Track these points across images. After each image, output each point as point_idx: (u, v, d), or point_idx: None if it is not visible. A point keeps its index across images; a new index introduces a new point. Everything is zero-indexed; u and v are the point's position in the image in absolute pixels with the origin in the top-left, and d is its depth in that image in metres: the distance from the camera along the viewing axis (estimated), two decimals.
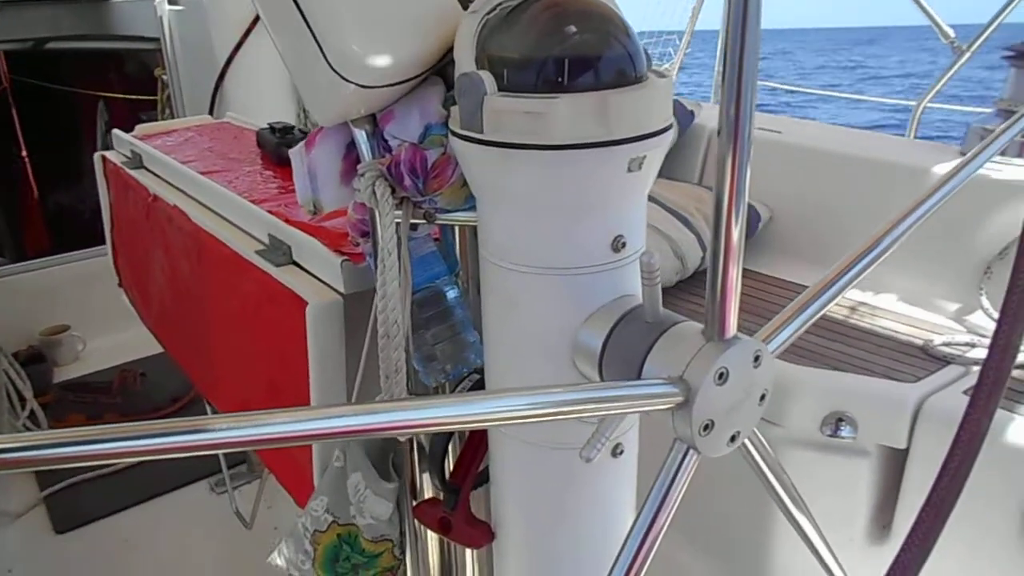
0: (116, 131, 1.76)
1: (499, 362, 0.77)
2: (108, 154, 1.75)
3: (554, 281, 0.69)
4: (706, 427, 0.61)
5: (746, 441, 0.67)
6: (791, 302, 0.69)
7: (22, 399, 2.33)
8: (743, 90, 0.53)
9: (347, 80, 0.70)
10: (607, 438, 0.64)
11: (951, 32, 2.81)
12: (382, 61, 0.70)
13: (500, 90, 0.64)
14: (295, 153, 0.80)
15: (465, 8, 0.73)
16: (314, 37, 0.69)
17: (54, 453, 0.39)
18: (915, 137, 3.05)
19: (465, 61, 0.67)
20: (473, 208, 0.76)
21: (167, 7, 2.95)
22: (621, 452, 0.78)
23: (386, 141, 0.78)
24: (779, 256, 2.16)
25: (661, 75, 0.69)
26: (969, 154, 0.74)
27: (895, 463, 1.45)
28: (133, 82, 3.45)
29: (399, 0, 0.71)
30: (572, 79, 0.64)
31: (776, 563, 1.55)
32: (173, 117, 3.08)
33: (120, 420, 2.48)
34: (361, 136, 0.78)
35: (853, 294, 1.90)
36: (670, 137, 0.69)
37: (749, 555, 1.61)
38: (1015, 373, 1.50)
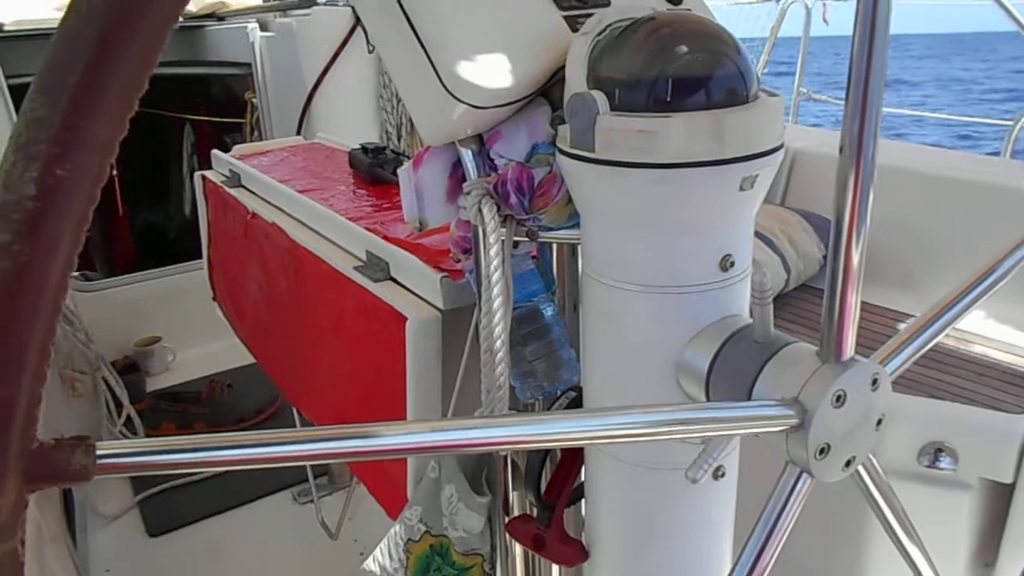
0: (215, 151, 1.85)
1: (599, 380, 0.77)
2: (208, 173, 1.83)
3: (661, 299, 0.68)
4: (822, 451, 0.59)
5: (860, 467, 0.66)
6: (900, 325, 0.67)
7: (119, 406, 2.44)
8: (868, 108, 0.53)
9: (460, 100, 0.72)
10: (715, 459, 0.63)
11: None
12: (495, 82, 0.71)
13: (612, 110, 0.65)
14: (403, 171, 0.83)
15: (574, 30, 0.74)
16: (428, 57, 0.72)
17: (187, 458, 0.41)
18: (1011, 157, 2.93)
19: (576, 81, 0.68)
20: (575, 226, 0.77)
21: (259, 33, 3.08)
22: (723, 474, 0.77)
23: (491, 160, 0.79)
24: (866, 280, 2.10)
25: (772, 94, 0.69)
26: None
27: (999, 498, 1.38)
28: (221, 105, 3.61)
29: (511, 22, 0.73)
30: (683, 98, 0.64)
31: None
32: (262, 139, 3.20)
33: (208, 429, 2.58)
34: (468, 155, 0.80)
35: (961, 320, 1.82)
36: (781, 156, 0.68)
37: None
38: None
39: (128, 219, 3.94)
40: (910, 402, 1.47)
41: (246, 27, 3.13)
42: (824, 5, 4.05)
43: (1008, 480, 1.35)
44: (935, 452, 1.39)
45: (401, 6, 0.73)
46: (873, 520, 0.71)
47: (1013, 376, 1.56)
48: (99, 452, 0.35)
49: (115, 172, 3.59)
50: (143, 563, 2.07)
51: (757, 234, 2.27)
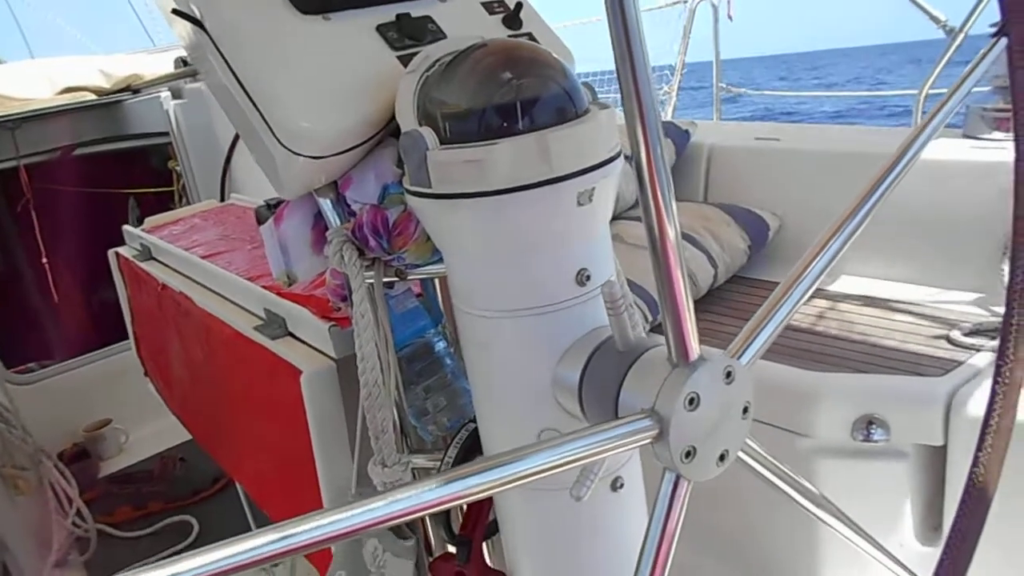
0: (126, 226, 1.83)
1: (488, 409, 0.77)
2: (121, 250, 1.81)
3: (523, 322, 0.69)
4: (688, 454, 0.59)
5: (742, 455, 0.66)
6: (755, 312, 0.68)
7: (69, 499, 2.37)
8: (645, 113, 0.52)
9: (299, 154, 0.72)
10: (595, 474, 0.63)
11: (942, 16, 2.79)
12: (329, 131, 0.72)
13: (444, 143, 0.66)
14: (265, 229, 0.82)
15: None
16: (261, 116, 0.72)
17: None
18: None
19: (407, 119, 0.69)
20: (443, 260, 0.77)
21: (172, 102, 3.07)
22: (621, 486, 0.77)
23: (350, 206, 0.79)
24: (792, 264, 2.13)
25: (604, 106, 0.70)
26: (911, 131, 0.73)
27: (935, 461, 1.40)
28: (153, 176, 3.58)
29: (341, 71, 0.74)
30: (510, 124, 0.65)
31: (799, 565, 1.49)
32: (190, 204, 3.17)
33: (164, 506, 2.50)
34: (327, 204, 0.80)
35: (866, 290, 1.85)
36: (618, 166, 0.69)
37: (768, 561, 1.56)
38: None
39: (69, 303, 3.87)
40: (837, 379, 1.49)
41: (159, 96, 3.11)
42: (728, 2, 4.16)
43: (940, 443, 1.37)
44: (867, 425, 1.41)
45: (231, 68, 0.73)
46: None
47: (932, 340, 1.60)
48: None
49: (45, 261, 3.53)
50: None
51: (684, 235, 2.30)
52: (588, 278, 0.69)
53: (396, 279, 0.80)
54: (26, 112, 3.22)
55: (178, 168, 3.25)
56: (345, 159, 0.74)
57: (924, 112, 3.01)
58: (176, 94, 3.13)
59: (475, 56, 0.69)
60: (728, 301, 2.03)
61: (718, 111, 4.21)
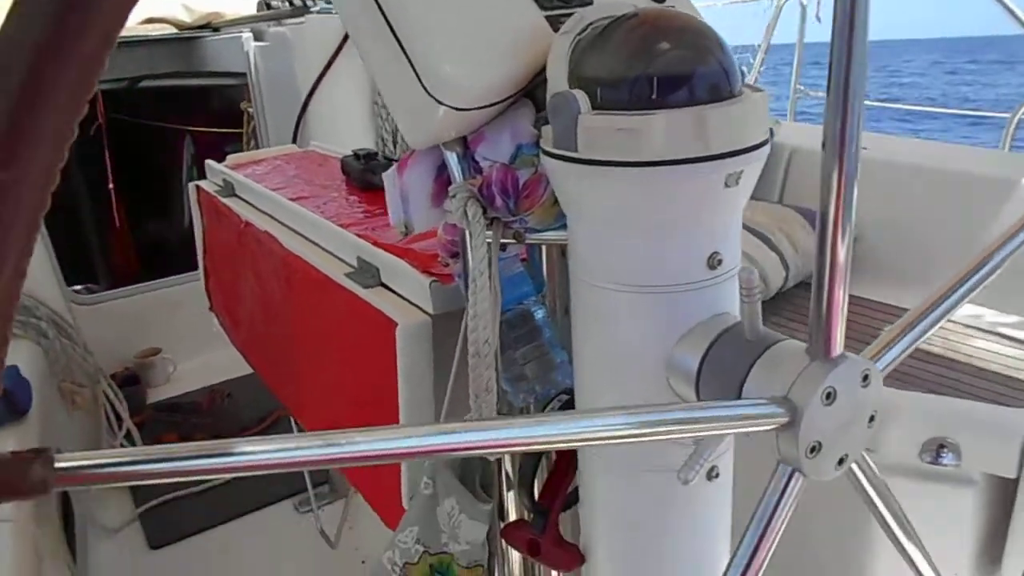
0: (209, 161, 1.84)
1: (590, 383, 0.76)
2: (202, 183, 1.83)
3: (649, 299, 0.68)
4: (813, 449, 0.58)
5: (854, 465, 0.65)
6: (896, 321, 0.66)
7: (119, 419, 2.44)
8: (849, 102, 0.52)
9: (441, 103, 0.71)
10: (706, 459, 0.62)
11: None
12: (476, 84, 0.71)
13: (594, 108, 0.64)
14: (388, 176, 0.82)
15: (556, 29, 0.73)
16: (408, 60, 0.71)
17: (149, 469, 0.40)
18: (1008, 149, 2.91)
19: (558, 81, 0.68)
20: (563, 227, 0.76)
21: (253, 43, 3.08)
22: (717, 475, 0.76)
23: (477, 162, 0.78)
24: (866, 276, 2.09)
25: (756, 90, 0.68)
26: None
27: (1004, 493, 1.37)
28: (218, 116, 3.62)
29: (492, 23, 0.73)
30: (666, 96, 0.63)
31: None
32: (258, 148, 3.21)
33: (210, 438, 2.57)
34: (452, 158, 0.79)
35: (953, 314, 1.81)
36: (766, 152, 0.67)
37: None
38: None
39: (129, 232, 3.95)
40: (911, 398, 1.45)
41: (240, 37, 3.13)
42: (818, 2, 4.04)
43: (1012, 475, 1.33)
44: (937, 448, 1.38)
45: (381, 9, 0.73)
46: (874, 520, 0.70)
47: (1015, 371, 1.55)
48: (58, 464, 0.34)
49: (111, 186, 3.60)
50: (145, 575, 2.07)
51: (755, 232, 2.27)
52: (720, 262, 0.68)
53: (513, 241, 0.80)
54: None
55: (251, 110, 3.28)
56: (483, 114, 0.73)
57: (1014, 136, 2.92)
58: (258, 36, 3.15)
59: (632, 23, 0.67)
60: (796, 306, 1.99)
61: (793, 111, 4.12)
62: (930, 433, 1.38)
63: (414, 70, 0.71)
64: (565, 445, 0.53)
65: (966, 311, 1.82)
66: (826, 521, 1.45)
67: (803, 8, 4.33)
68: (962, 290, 0.67)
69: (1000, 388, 1.48)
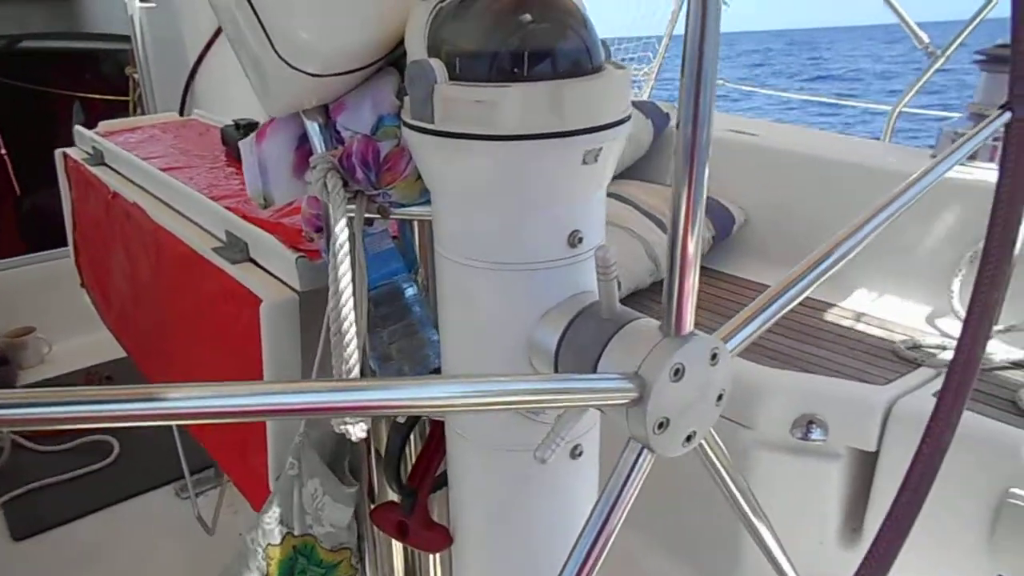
0: (78, 127, 1.72)
1: (455, 360, 0.75)
2: (70, 151, 1.71)
3: (509, 276, 0.67)
4: (660, 425, 0.59)
5: (703, 442, 0.66)
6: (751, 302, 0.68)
7: None
8: (701, 89, 0.51)
9: (296, 68, 0.67)
10: (562, 438, 0.62)
11: (925, 36, 2.83)
12: (333, 49, 0.68)
13: (452, 79, 0.62)
14: (245, 144, 0.78)
15: None
16: (260, 24, 0.67)
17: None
18: (890, 141, 3.07)
19: (416, 49, 0.65)
20: (429, 203, 0.74)
21: (138, 4, 2.90)
22: (580, 453, 0.76)
23: (339, 133, 0.75)
24: (754, 259, 2.16)
25: (618, 67, 0.68)
26: (937, 159, 0.74)
27: (865, 466, 1.45)
28: (108, 82, 3.40)
29: None
30: (526, 69, 0.62)
31: (743, 564, 1.54)
32: (145, 114, 3.03)
33: None
34: (313, 128, 0.76)
35: (823, 295, 1.90)
36: (626, 129, 0.67)
37: (713, 555, 1.60)
38: (985, 377, 1.51)
39: (17, 203, 3.68)
40: (784, 376, 1.52)
41: None
42: None
43: (872, 449, 1.41)
44: (807, 424, 1.44)
45: None
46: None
47: (880, 350, 1.64)
48: None
49: (4, 152, 3.33)
50: (7, 569, 1.94)
51: (648, 215, 2.30)
52: (580, 240, 0.67)
53: (377, 216, 0.77)
54: None
55: (136, 75, 3.09)
56: (342, 81, 0.70)
57: (894, 129, 3.08)
58: None
59: None
60: None
61: None
62: (801, 410, 1.45)
63: (266, 35, 0.67)
64: (419, 411, 0.51)
65: (839, 290, 1.91)
66: (698, 492, 1.49)
67: None
68: (812, 275, 0.69)
69: (866, 366, 1.57)
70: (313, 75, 0.67)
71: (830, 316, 1.81)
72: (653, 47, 4.63)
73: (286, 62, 0.67)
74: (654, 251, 2.03)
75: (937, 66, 2.77)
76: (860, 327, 1.75)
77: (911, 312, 1.83)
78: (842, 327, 1.75)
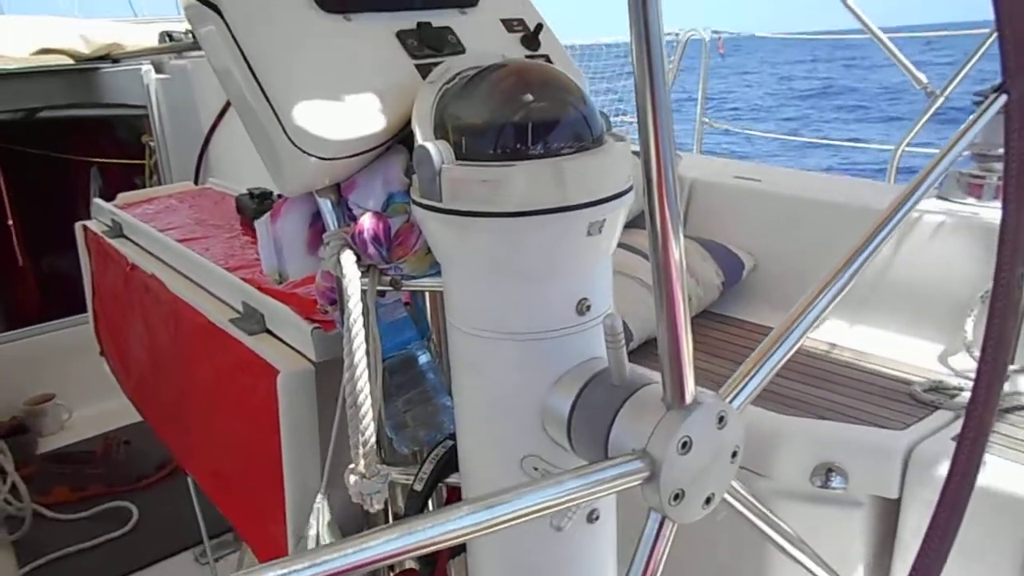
0: (96, 200, 1.77)
1: (470, 428, 0.76)
2: (89, 223, 1.75)
3: (519, 346, 0.68)
4: (676, 496, 0.59)
5: (727, 497, 0.66)
6: (749, 356, 0.68)
7: (3, 472, 2.28)
8: (662, 158, 0.52)
9: (307, 153, 0.70)
10: (579, 507, 0.63)
11: (923, 78, 2.87)
12: (342, 134, 0.70)
13: (459, 158, 0.65)
14: (260, 224, 0.80)
15: (424, 78, 0.74)
16: (274, 112, 0.70)
17: None
18: (894, 182, 3.09)
19: (424, 130, 0.68)
20: (439, 273, 0.76)
21: (153, 75, 3.00)
22: (597, 518, 0.76)
23: (351, 210, 0.78)
24: (765, 304, 2.16)
25: (619, 138, 0.70)
26: (904, 190, 0.75)
27: (889, 513, 1.43)
28: (125, 148, 3.49)
29: (359, 74, 0.72)
30: (527, 146, 0.64)
31: None
32: (160, 183, 3.10)
33: (105, 490, 2.42)
34: (326, 205, 0.78)
35: (834, 337, 1.89)
36: (630, 199, 0.69)
37: None
38: (1005, 418, 1.49)
39: (32, 269, 3.75)
40: (801, 424, 1.51)
41: (140, 69, 3.04)
42: (719, 39, 4.23)
43: (894, 495, 1.40)
44: (826, 472, 1.43)
45: (247, 61, 0.72)
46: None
47: (896, 393, 1.63)
48: None
49: (10, 222, 3.40)
50: None
51: None
52: (588, 308, 0.69)
53: (389, 288, 0.79)
54: None
55: (152, 143, 3.18)
56: (353, 163, 0.73)
57: (898, 169, 3.10)
58: (158, 68, 3.06)
59: (498, 74, 0.68)
60: (698, 336, 2.05)
61: (699, 144, 4.27)
62: (819, 458, 1.43)
63: (280, 122, 0.70)
64: (459, 540, 0.53)
65: (851, 333, 1.90)
66: (729, 540, 1.48)
67: (705, 44, 4.53)
68: (805, 321, 0.70)
69: (881, 411, 1.55)
70: (325, 159, 0.70)
71: (842, 359, 1.80)
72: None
73: (298, 147, 0.70)
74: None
75: (937, 106, 2.80)
76: (873, 368, 1.74)
77: (924, 353, 1.82)
78: (855, 369, 1.74)
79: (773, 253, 2.24)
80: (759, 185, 2.36)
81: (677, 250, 0.55)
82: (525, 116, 0.65)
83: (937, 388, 1.62)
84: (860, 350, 1.84)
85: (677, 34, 4.65)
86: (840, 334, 1.92)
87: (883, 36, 2.88)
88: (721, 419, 0.61)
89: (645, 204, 0.53)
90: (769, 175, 2.45)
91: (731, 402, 0.64)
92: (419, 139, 0.67)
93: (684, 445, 0.58)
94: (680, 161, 2.58)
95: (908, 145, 3.00)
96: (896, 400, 1.61)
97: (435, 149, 0.64)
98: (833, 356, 1.82)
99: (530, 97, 0.66)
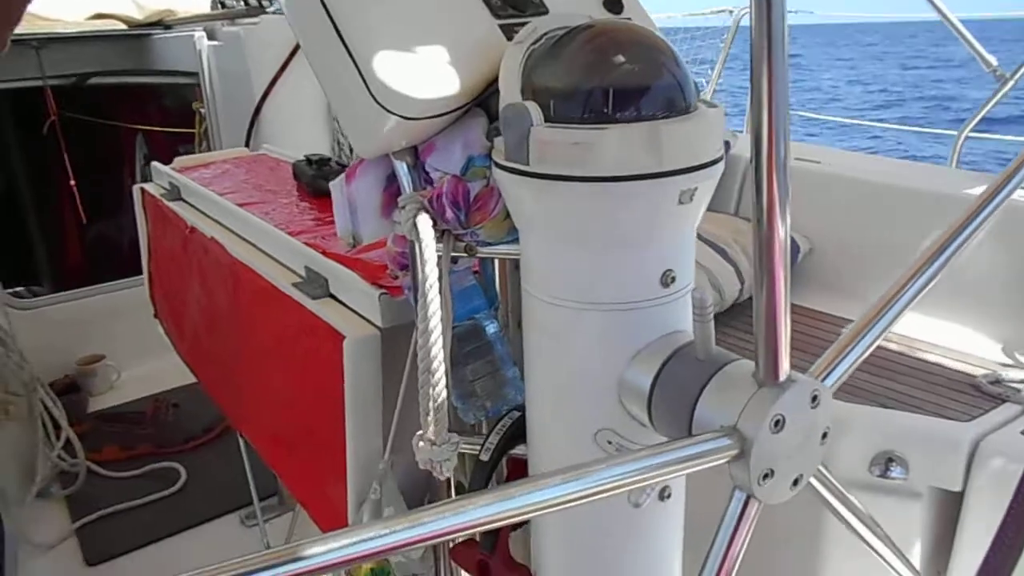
0: (155, 163, 1.78)
1: (541, 400, 0.75)
2: (147, 186, 1.77)
3: (601, 317, 0.66)
4: (766, 476, 0.57)
5: (812, 480, 0.64)
6: (841, 335, 0.66)
7: (57, 428, 2.34)
8: (774, 124, 0.50)
9: (390, 112, 0.68)
10: (657, 483, 0.61)
11: (993, 60, 2.76)
12: (426, 93, 0.69)
13: (546, 121, 0.63)
14: (335, 185, 0.79)
15: (510, 39, 0.72)
16: (357, 69, 0.69)
17: None
18: (956, 166, 2.99)
19: (510, 92, 0.66)
20: (515, 241, 0.74)
21: (206, 42, 3.01)
22: (668, 495, 0.75)
23: (427, 173, 0.76)
24: (819, 289, 2.11)
25: (712, 105, 0.67)
26: (999, 178, 0.71)
27: (950, 506, 1.39)
28: (172, 115, 3.52)
29: (444, 32, 0.70)
30: (620, 110, 0.62)
31: None
32: (210, 150, 3.12)
33: (154, 450, 2.47)
34: (402, 168, 0.77)
35: (899, 327, 1.84)
36: (721, 168, 0.66)
37: None
38: None
39: (79, 232, 3.83)
40: (861, 412, 1.47)
41: (192, 35, 3.05)
42: None
43: (957, 488, 1.35)
44: (886, 462, 1.39)
45: (330, 17, 0.70)
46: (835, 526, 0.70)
47: (961, 384, 1.58)
48: None
49: (73, 183, 3.48)
50: None
51: (711, 243, 2.28)
52: (673, 279, 0.67)
53: (464, 255, 0.78)
54: (52, 33, 3.16)
55: (203, 110, 3.20)
56: (434, 124, 0.71)
57: (960, 154, 3.00)
58: (211, 35, 3.07)
59: (587, 34, 0.66)
60: (751, 318, 2.01)
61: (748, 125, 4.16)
62: (879, 447, 1.39)
63: (363, 79, 0.68)
64: (522, 518, 0.52)
65: (914, 321, 1.85)
66: (792, 530, 1.45)
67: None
68: (902, 301, 0.67)
69: (946, 401, 1.51)
70: (407, 119, 0.69)
71: (904, 348, 1.75)
72: (706, 73, 4.60)
73: (382, 106, 0.68)
74: (717, 280, 2.00)
75: (1006, 90, 2.69)
76: (936, 359, 1.69)
77: (988, 344, 1.76)
78: (917, 360, 1.69)
79: (830, 237, 2.18)
80: (817, 167, 2.30)
81: (782, 228, 0.52)
82: (617, 78, 0.62)
83: (1002, 380, 1.57)
84: (923, 339, 1.78)
85: (731, 12, 4.53)
86: (903, 323, 1.86)
87: (953, 17, 2.77)
88: (814, 398, 0.59)
89: (754, 179, 0.51)
90: (829, 157, 2.38)
91: (824, 380, 0.62)
92: (507, 100, 0.65)
93: (777, 423, 0.56)
94: (735, 141, 2.52)
95: (971, 132, 2.90)
96: (960, 391, 1.55)
97: (525, 109, 0.62)
98: (894, 345, 1.77)
99: (622, 59, 0.64)
